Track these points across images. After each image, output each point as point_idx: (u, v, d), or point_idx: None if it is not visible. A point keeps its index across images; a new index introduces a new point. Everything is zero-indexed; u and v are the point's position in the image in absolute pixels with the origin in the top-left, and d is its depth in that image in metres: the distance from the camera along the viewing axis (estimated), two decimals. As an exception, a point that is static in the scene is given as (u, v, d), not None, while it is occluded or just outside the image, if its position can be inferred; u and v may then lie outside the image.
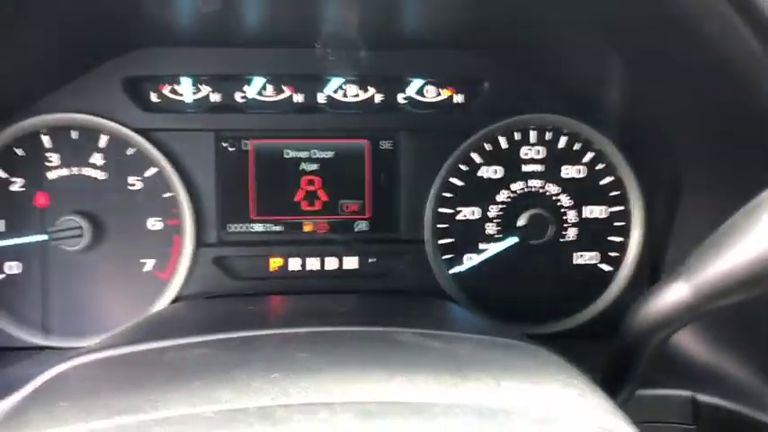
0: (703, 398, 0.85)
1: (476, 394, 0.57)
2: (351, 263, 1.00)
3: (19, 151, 0.95)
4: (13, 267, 0.94)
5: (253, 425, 0.47)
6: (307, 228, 0.97)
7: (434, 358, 0.66)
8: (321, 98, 0.97)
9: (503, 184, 1.01)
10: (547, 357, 0.73)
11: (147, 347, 0.70)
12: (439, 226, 1.01)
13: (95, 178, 0.97)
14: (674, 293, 0.66)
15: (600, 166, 0.98)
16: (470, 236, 1.01)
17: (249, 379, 0.56)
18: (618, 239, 0.97)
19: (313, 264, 0.98)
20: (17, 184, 0.95)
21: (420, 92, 1.03)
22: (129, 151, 0.97)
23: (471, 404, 0.55)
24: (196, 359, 0.65)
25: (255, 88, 0.98)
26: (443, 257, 0.97)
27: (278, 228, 0.98)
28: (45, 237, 0.95)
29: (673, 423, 0.78)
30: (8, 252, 0.96)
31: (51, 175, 0.96)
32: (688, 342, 0.90)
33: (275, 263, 0.99)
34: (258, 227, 0.98)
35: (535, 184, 0.99)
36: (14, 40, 0.79)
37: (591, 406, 0.59)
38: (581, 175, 1.00)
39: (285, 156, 0.99)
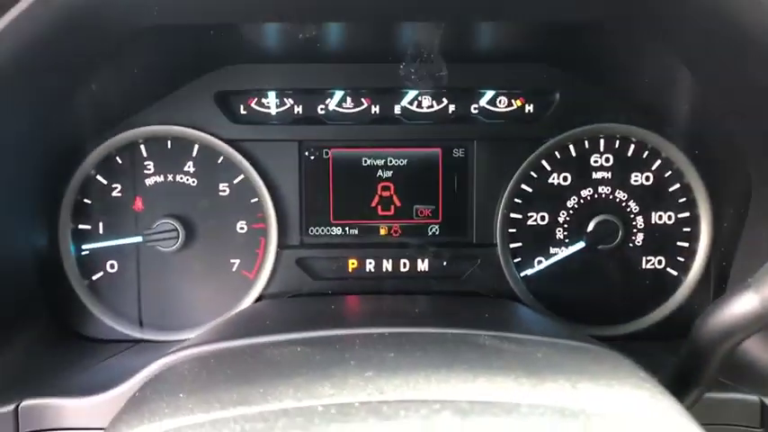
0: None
1: (555, 395, 0.59)
2: (423, 265, 1.02)
3: (118, 160, 1.01)
4: (111, 266, 1.00)
5: (365, 419, 0.50)
6: (382, 231, 1.01)
7: (511, 361, 0.68)
8: (397, 109, 1.01)
9: (572, 190, 1.03)
10: (616, 360, 0.75)
11: (245, 343, 0.74)
12: (509, 230, 1.03)
13: (188, 184, 1.02)
14: (744, 304, 0.68)
15: (667, 174, 1.00)
16: (540, 240, 1.04)
17: (345, 376, 0.59)
18: (685, 245, 0.98)
19: (387, 266, 1.02)
20: (116, 190, 1.01)
21: (492, 102, 1.04)
22: (219, 160, 1.02)
23: (553, 405, 0.57)
24: (294, 356, 0.68)
25: (335, 100, 1.02)
26: (514, 261, 0.99)
27: (355, 231, 1.02)
28: (140, 238, 1.00)
29: (740, 426, 0.78)
30: (107, 252, 1.01)
31: (148, 181, 1.02)
32: (757, 347, 0.89)
33: (352, 264, 1.03)
34: (337, 230, 1.03)
35: (604, 190, 1.01)
36: (118, 60, 0.85)
37: (661, 408, 0.61)
38: (649, 182, 1.02)
39: (363, 164, 1.04)
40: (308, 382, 0.59)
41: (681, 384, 0.76)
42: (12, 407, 0.81)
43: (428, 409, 0.52)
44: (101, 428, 0.66)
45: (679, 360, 0.78)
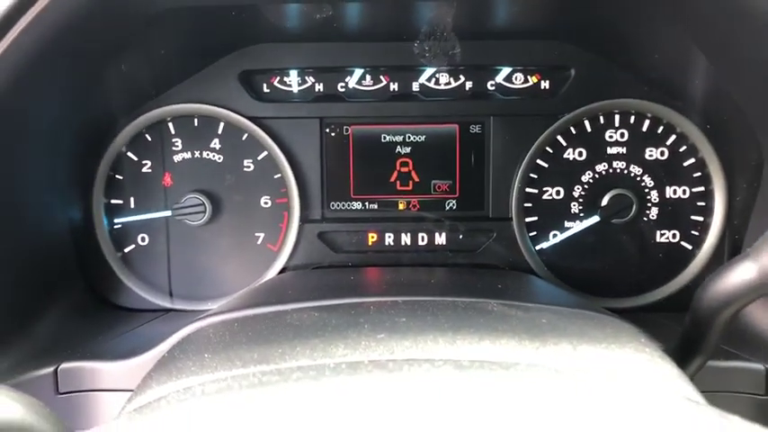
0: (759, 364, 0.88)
1: (554, 356, 0.62)
2: (440, 239, 1.05)
3: (148, 137, 1.05)
4: (142, 239, 1.04)
5: (371, 372, 0.54)
6: (401, 206, 1.04)
7: (517, 325, 0.70)
8: (415, 86, 1.04)
9: (587, 165, 1.05)
10: (620, 327, 0.77)
11: (268, 310, 0.77)
12: (525, 205, 1.06)
13: (214, 161, 1.06)
14: (741, 273, 0.70)
15: (682, 148, 1.02)
16: (555, 214, 1.06)
17: (359, 338, 0.62)
18: (699, 219, 0.99)
19: (406, 239, 1.05)
20: (146, 166, 1.05)
21: (508, 79, 1.05)
22: (243, 137, 1.05)
23: (551, 364, 0.60)
24: (312, 321, 0.71)
25: (355, 78, 1.05)
26: (529, 234, 1.02)
27: (374, 206, 1.05)
28: (169, 213, 1.04)
29: (745, 393, 0.79)
30: (138, 226, 1.06)
31: (176, 158, 1.06)
32: (763, 316, 0.91)
33: (372, 238, 1.06)
34: (357, 205, 1.06)
35: (618, 165, 1.03)
36: (145, 43, 0.89)
37: (657, 370, 0.63)
38: (663, 157, 1.04)
39: (382, 140, 1.06)
40: (323, 344, 0.62)
41: (684, 352, 0.77)
42: (51, 369, 0.84)
43: (431, 365, 0.55)
44: (132, 390, 0.70)
45: (682, 329, 0.79)
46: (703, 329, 0.77)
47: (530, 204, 1.04)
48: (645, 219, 1.01)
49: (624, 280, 1.00)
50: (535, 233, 1.03)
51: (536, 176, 1.05)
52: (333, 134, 1.07)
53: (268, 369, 0.57)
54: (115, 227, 1.05)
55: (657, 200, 1.04)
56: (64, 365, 0.86)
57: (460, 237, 1.04)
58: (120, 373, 0.82)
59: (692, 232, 1.01)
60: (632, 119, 1.04)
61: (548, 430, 0.43)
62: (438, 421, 0.45)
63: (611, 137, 1.05)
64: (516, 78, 1.06)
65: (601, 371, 0.61)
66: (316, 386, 0.52)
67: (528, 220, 1.03)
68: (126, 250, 1.04)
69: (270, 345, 0.64)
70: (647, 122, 1.04)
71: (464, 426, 0.44)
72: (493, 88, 1.06)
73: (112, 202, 1.04)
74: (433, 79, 1.05)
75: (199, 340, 0.72)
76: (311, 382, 0.52)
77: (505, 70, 1.02)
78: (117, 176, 1.05)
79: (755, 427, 0.47)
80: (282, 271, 1.05)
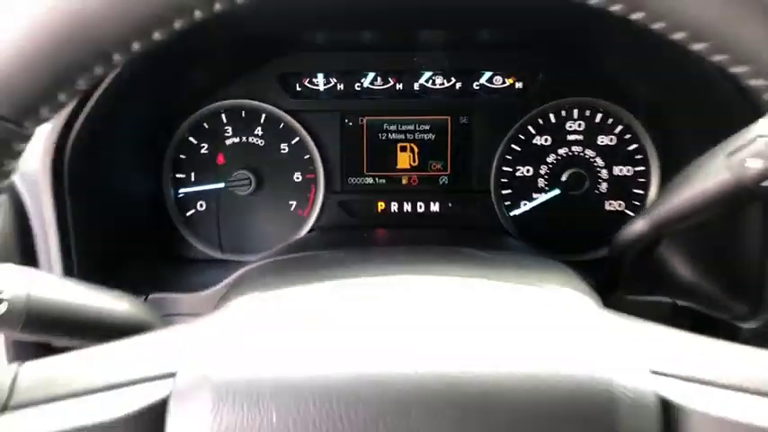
0: (682, 303, 1.00)
1: (488, 276, 0.72)
2: (435, 207, 1.21)
3: (205, 125, 1.20)
4: (200, 205, 1.22)
5: (360, 287, 0.67)
6: (404, 181, 1.22)
7: (472, 260, 0.82)
8: (416, 86, 1.20)
9: (551, 149, 1.20)
10: (557, 266, 0.87)
11: (301, 255, 0.92)
12: (502, 180, 1.21)
13: (257, 144, 1.20)
14: (638, 226, 0.87)
15: (627, 137, 1.18)
16: (525, 188, 1.21)
17: (367, 270, 0.75)
18: (639, 192, 1.16)
19: (407, 207, 1.21)
20: (204, 149, 1.20)
21: (490, 81, 1.20)
22: (281, 125, 1.20)
23: (488, 281, 0.69)
24: (336, 261, 0.85)
25: (369, 80, 1.21)
26: (504, 203, 1.19)
27: (383, 180, 1.21)
28: (222, 185, 1.19)
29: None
30: (197, 195, 1.21)
31: (227, 141, 1.20)
32: (675, 262, 1.10)
33: (381, 206, 1.21)
34: (369, 180, 1.21)
35: (576, 149, 1.18)
36: (213, 56, 1.09)
37: (572, 288, 0.72)
38: (612, 143, 1.19)
39: (389, 128, 1.21)
40: (341, 278, 0.72)
41: (605, 288, 0.91)
42: (143, 297, 1.01)
43: (404, 285, 0.68)
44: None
45: (603, 269, 0.95)
46: (616, 268, 0.93)
47: (506, 180, 1.20)
48: (596, 191, 1.18)
49: (580, 239, 1.17)
50: (509, 202, 1.20)
51: (511, 158, 1.20)
52: (350, 123, 1.21)
53: (311, 288, 0.69)
54: (179, 196, 1.21)
55: (607, 177, 1.19)
56: (152, 295, 1.02)
57: (450, 205, 1.21)
58: (195, 300, 1.00)
59: (634, 202, 1.17)
60: (588, 113, 1.18)
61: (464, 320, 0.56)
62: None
63: (570, 127, 1.19)
64: (496, 80, 1.20)
65: (526, 287, 0.70)
66: (342, 295, 0.65)
67: (504, 192, 1.20)
68: (188, 214, 1.21)
69: (308, 275, 0.76)
70: (599, 116, 1.18)
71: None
72: (477, 88, 1.21)
73: (177, 176, 1.21)
74: (431, 81, 1.20)
75: (257, 273, 0.83)
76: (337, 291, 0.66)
77: (487, 74, 1.19)
78: (181, 156, 1.20)
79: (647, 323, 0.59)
80: (310, 231, 1.21)
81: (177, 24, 0.47)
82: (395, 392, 0.49)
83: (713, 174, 0.78)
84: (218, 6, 0.47)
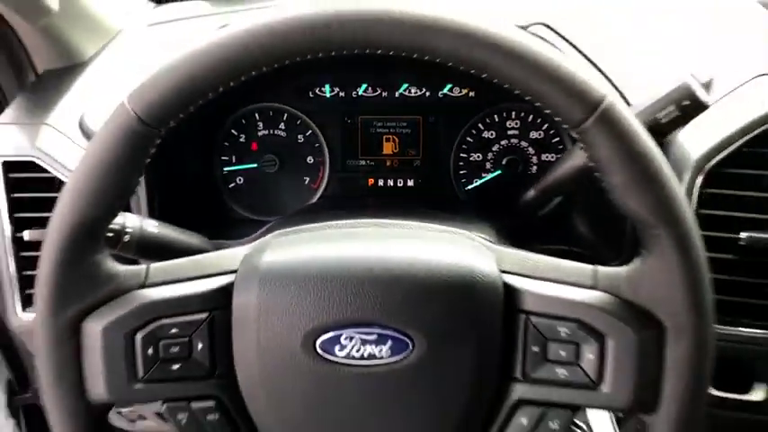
0: (575, 249, 1.16)
1: (428, 222, 0.88)
2: (410, 182, 1.43)
3: (243, 121, 1.42)
4: (239, 180, 1.45)
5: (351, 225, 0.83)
6: (387, 163, 1.43)
7: (420, 216, 0.94)
8: (396, 95, 1.40)
9: (495, 141, 1.40)
10: (475, 224, 1.02)
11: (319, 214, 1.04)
12: (459, 163, 1.41)
13: (281, 135, 1.43)
14: (531, 192, 1.16)
15: (551, 132, 1.37)
16: (476, 169, 1.42)
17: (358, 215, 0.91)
18: None
19: (390, 182, 1.44)
20: (242, 138, 1.42)
21: (450, 90, 1.40)
22: (298, 122, 1.42)
23: (419, 225, 0.87)
24: (336, 217, 0.94)
25: (362, 90, 1.41)
26: (461, 180, 1.42)
27: (372, 163, 1.43)
28: (255, 165, 1.42)
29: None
30: (236, 173, 1.43)
31: (259, 133, 1.42)
32: (572, 218, 1.33)
33: (371, 181, 1.44)
34: (362, 162, 1.43)
35: (514, 141, 1.40)
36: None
37: (475, 230, 0.90)
38: (540, 137, 1.39)
39: (377, 125, 1.43)
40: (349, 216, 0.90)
41: (517, 239, 1.05)
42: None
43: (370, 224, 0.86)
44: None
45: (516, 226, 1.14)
46: (521, 225, 1.16)
47: (462, 163, 1.41)
48: (528, 173, 1.38)
49: (518, 207, 1.28)
50: (464, 180, 1.42)
51: (465, 147, 1.41)
52: (349, 121, 1.42)
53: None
54: (224, 173, 1.44)
55: (536, 162, 1.40)
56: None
57: (420, 181, 1.43)
58: (238, 244, 1.17)
59: (558, 181, 1.42)
60: (522, 114, 1.38)
61: None
62: None
63: (509, 125, 1.40)
64: (455, 90, 1.40)
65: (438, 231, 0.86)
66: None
67: (460, 172, 1.41)
68: (230, 186, 1.44)
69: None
70: (531, 117, 1.38)
71: None
72: (441, 96, 1.40)
73: (223, 158, 1.43)
74: (407, 91, 1.40)
75: (281, 222, 0.98)
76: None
77: (449, 85, 1.39)
78: (226, 144, 1.42)
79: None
80: (319, 199, 1.42)
81: (263, 69, 0.66)
82: (364, 271, 0.73)
83: (575, 154, 1.05)
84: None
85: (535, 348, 0.74)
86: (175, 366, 0.76)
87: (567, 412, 0.75)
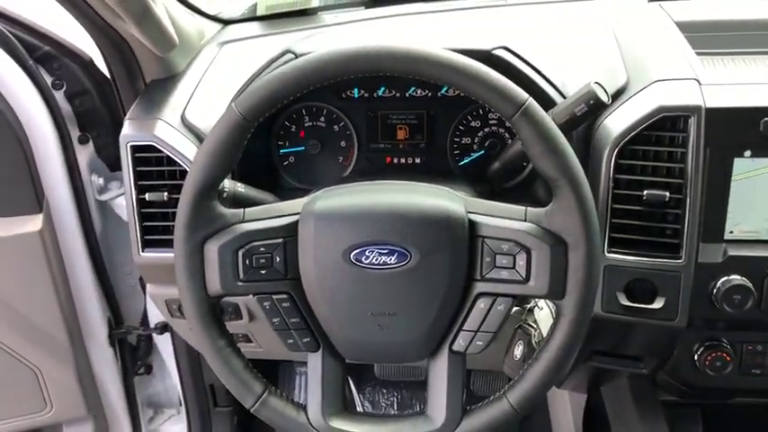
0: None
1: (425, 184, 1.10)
2: (417, 160, 1.66)
3: (294, 115, 1.66)
4: (291, 159, 1.70)
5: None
6: (401, 146, 1.66)
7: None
8: (407, 94, 1.61)
9: (480, 129, 1.62)
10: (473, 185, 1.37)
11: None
12: (453, 145, 1.62)
13: (321, 126, 1.67)
14: (495, 164, 1.50)
15: None
16: (466, 149, 1.64)
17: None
18: None
19: (402, 160, 1.67)
20: (293, 128, 1.68)
21: (447, 91, 1.61)
22: (334, 115, 1.65)
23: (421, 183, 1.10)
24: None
25: (381, 91, 1.64)
26: (455, 158, 1.63)
27: (389, 146, 1.66)
28: (302, 148, 1.66)
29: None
30: (289, 154, 1.70)
31: (305, 124, 1.68)
32: (535, 184, 1.57)
33: (388, 159, 1.66)
34: (382, 145, 1.67)
35: (494, 128, 1.61)
36: None
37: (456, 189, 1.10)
38: None
39: (392, 117, 1.65)
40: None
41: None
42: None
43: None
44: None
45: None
46: (491, 191, 1.46)
47: (455, 145, 1.62)
48: (505, 153, 1.47)
49: (497, 178, 1.53)
50: (458, 158, 1.63)
51: (458, 133, 1.62)
52: (371, 114, 1.63)
53: None
54: (280, 154, 1.69)
55: (510, 143, 1.54)
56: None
57: (425, 159, 1.65)
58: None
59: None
60: None
61: None
62: None
63: (490, 116, 1.62)
64: (449, 92, 1.61)
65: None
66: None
67: (455, 152, 1.62)
68: (284, 164, 1.68)
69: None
70: None
71: None
72: (440, 95, 1.61)
73: (279, 143, 1.68)
74: (414, 92, 1.62)
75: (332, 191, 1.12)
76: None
77: (445, 89, 1.61)
78: (281, 132, 1.66)
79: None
80: (349, 174, 1.64)
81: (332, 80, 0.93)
82: (380, 210, 1.02)
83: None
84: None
85: (488, 259, 1.03)
86: (263, 272, 1.06)
87: (509, 299, 1.04)
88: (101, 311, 1.95)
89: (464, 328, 1.08)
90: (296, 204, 1.10)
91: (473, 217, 1.04)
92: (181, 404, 2.14)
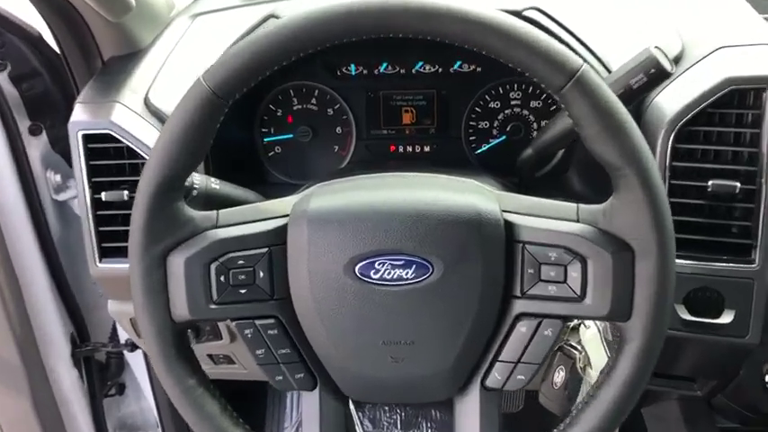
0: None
1: (444, 176, 0.98)
2: (426, 148, 1.53)
3: (279, 97, 1.51)
4: (277, 149, 1.57)
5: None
6: (406, 131, 1.54)
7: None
8: (413, 71, 1.48)
9: (500, 110, 1.50)
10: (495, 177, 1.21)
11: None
12: (469, 131, 1.51)
13: (313, 109, 1.53)
14: (527, 151, 1.30)
15: (550, 101, 1.44)
16: (484, 135, 1.52)
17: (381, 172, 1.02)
18: None
19: (409, 148, 1.54)
20: (279, 112, 1.54)
21: (460, 67, 1.48)
22: (328, 97, 1.52)
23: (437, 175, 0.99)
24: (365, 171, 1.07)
25: (383, 68, 1.50)
26: (471, 146, 1.51)
27: (393, 131, 1.53)
28: (291, 135, 1.53)
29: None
30: (275, 142, 1.55)
31: (294, 108, 1.52)
32: (568, 174, 1.47)
33: (392, 147, 1.53)
34: (384, 131, 1.54)
35: (516, 110, 1.49)
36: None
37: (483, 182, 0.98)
38: (540, 106, 1.47)
39: (396, 98, 1.52)
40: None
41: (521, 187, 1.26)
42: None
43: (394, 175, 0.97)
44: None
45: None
46: (520, 182, 1.31)
47: (471, 130, 1.50)
48: (530, 137, 1.46)
49: (517, 165, 1.38)
50: (474, 145, 1.51)
51: (474, 116, 1.50)
52: (372, 95, 1.50)
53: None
54: (264, 142, 1.55)
55: (536, 127, 1.49)
56: None
57: (435, 146, 1.53)
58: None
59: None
60: (524, 86, 1.47)
61: None
62: None
63: (512, 95, 1.49)
64: (464, 66, 1.48)
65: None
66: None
67: (470, 138, 1.50)
68: (269, 154, 1.54)
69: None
70: (531, 88, 1.46)
71: None
72: (452, 72, 1.48)
73: (263, 130, 1.54)
74: (422, 67, 1.49)
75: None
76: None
77: (458, 62, 1.47)
78: (265, 117, 1.51)
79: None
80: (347, 164, 1.51)
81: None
82: (392, 211, 0.86)
83: (560, 117, 1.15)
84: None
85: (530, 270, 0.86)
86: (242, 291, 0.89)
87: (558, 322, 0.87)
88: (62, 327, 1.78)
89: (500, 359, 0.92)
90: (284, 204, 0.94)
91: (510, 217, 0.89)
92: (158, 426, 2.00)
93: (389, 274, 0.88)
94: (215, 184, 1.17)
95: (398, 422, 2.37)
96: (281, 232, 0.90)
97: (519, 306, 0.89)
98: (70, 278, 1.76)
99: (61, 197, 1.66)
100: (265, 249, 0.90)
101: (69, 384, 1.83)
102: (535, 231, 0.87)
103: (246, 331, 0.91)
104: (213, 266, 0.88)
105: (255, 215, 0.92)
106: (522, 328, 0.89)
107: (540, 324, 0.89)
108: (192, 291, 0.88)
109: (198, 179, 1.12)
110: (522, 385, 0.90)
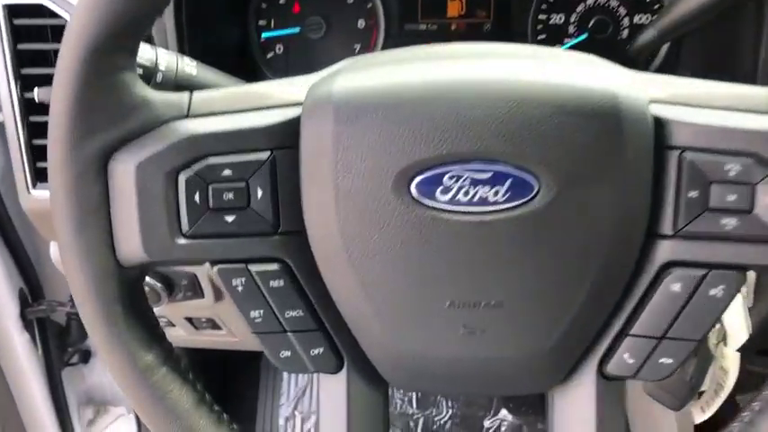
0: None
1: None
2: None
3: None
4: (279, 48, 1.41)
5: None
6: (453, 27, 1.37)
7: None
8: None
9: (581, 1, 1.36)
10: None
11: None
12: (537, 27, 1.36)
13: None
14: (648, 33, 1.10)
15: None
16: (558, 33, 1.37)
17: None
18: None
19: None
20: (279, 0, 1.39)
21: None
22: None
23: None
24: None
25: None
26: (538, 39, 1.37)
27: (434, 27, 1.36)
28: (297, 29, 1.37)
29: None
30: (276, 39, 1.39)
31: None
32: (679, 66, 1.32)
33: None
34: (423, 26, 1.36)
35: (600, 1, 1.34)
36: None
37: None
38: None
39: None
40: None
41: None
42: None
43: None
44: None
45: None
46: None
47: (541, 26, 1.36)
48: (619, 38, 1.35)
49: (643, 57, 1.29)
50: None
51: (545, 7, 1.36)
52: None
53: None
54: (261, 41, 1.40)
55: (628, 24, 1.35)
56: None
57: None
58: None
59: (650, 45, 1.31)
60: None
61: None
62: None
63: None
64: None
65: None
66: None
67: (539, 37, 1.37)
68: (268, 56, 1.40)
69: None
70: None
71: None
72: None
73: (260, 23, 1.39)
74: None
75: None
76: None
77: None
78: (263, 6, 1.38)
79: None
80: None
81: None
82: (474, 92, 0.61)
83: None
84: None
85: (692, 194, 0.63)
86: (229, 218, 0.66)
87: (735, 276, 0.64)
88: (7, 281, 1.63)
89: (634, 332, 0.67)
90: (295, 86, 0.69)
91: (661, 110, 0.62)
92: (131, 399, 1.70)
93: (467, 193, 0.63)
94: (190, 67, 0.94)
95: (413, 400, 2.25)
96: (290, 128, 0.67)
97: (669, 250, 0.66)
98: (17, 222, 1.61)
99: None
100: (266, 154, 0.66)
101: (20, 351, 1.70)
102: (704, 130, 0.63)
103: (235, 282, 0.68)
104: (183, 177, 0.65)
105: (251, 101, 0.68)
106: (675, 284, 0.66)
107: (703, 278, 0.65)
108: (149, 216, 0.65)
109: (165, 56, 0.91)
110: (667, 373, 0.68)
